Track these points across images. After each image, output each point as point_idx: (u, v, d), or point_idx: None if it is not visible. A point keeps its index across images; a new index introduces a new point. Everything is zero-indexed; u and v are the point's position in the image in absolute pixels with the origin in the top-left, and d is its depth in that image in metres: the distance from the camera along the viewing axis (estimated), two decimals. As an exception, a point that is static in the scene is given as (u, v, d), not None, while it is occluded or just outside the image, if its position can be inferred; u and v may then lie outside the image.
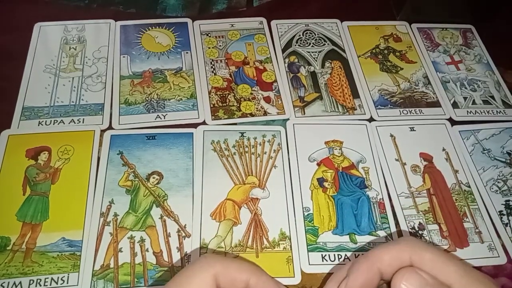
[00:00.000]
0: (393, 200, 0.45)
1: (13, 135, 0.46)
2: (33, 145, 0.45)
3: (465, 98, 0.54)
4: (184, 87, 0.52)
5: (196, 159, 0.46)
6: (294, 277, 0.40)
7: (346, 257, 0.41)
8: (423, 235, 0.43)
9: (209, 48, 0.56)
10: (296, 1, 0.63)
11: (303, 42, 0.58)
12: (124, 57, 0.54)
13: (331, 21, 0.61)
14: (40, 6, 0.58)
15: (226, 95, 0.51)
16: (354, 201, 0.45)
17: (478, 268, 0.41)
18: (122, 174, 0.44)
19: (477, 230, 0.44)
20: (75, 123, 0.48)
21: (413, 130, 0.50)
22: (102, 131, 0.47)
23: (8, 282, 0.38)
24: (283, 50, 0.57)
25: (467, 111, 0.53)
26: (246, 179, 0.45)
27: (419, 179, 0.47)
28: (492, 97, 0.54)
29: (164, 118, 0.49)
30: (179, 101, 0.50)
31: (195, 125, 0.48)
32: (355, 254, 0.41)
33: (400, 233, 0.43)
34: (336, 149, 0.48)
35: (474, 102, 0.54)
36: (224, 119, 0.49)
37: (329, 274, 0.40)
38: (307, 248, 0.41)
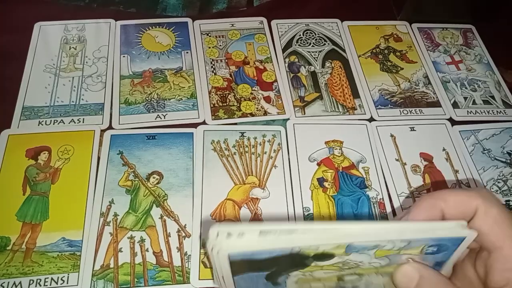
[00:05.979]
0: (393, 200, 0.45)
1: (13, 135, 0.46)
2: (33, 145, 0.45)
3: (465, 98, 0.54)
4: (184, 87, 0.52)
5: (196, 159, 0.46)
6: (294, 277, 0.40)
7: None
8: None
9: (209, 47, 0.56)
10: (297, 1, 0.62)
11: (304, 42, 0.58)
12: (124, 56, 0.54)
13: (331, 21, 0.60)
14: (40, 6, 0.58)
15: (226, 95, 0.51)
16: (354, 201, 0.45)
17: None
18: (122, 174, 0.44)
19: (477, 230, 0.44)
20: (75, 123, 0.48)
21: (413, 130, 0.50)
22: (102, 131, 0.47)
23: (8, 282, 0.38)
24: (283, 50, 0.57)
25: (467, 111, 0.53)
26: (246, 179, 0.45)
27: (419, 179, 0.47)
28: (492, 97, 0.54)
29: (164, 118, 0.49)
30: (179, 101, 0.50)
31: (195, 125, 0.48)
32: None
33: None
34: (336, 149, 0.48)
35: (474, 102, 0.54)
36: (224, 119, 0.49)
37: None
38: (307, 248, 0.41)
